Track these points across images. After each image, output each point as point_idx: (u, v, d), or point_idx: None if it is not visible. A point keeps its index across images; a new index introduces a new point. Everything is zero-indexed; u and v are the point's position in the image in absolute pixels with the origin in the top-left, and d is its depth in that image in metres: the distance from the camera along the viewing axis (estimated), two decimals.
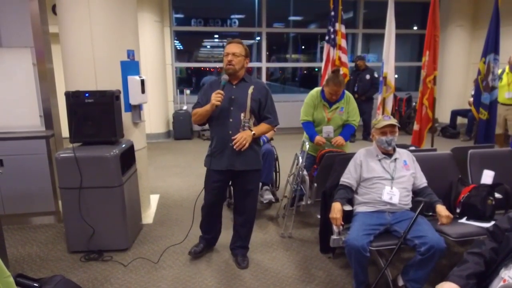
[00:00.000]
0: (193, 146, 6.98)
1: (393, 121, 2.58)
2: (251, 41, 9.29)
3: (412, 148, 3.26)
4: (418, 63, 8.03)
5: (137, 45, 3.48)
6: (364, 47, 8.78)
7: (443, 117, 7.92)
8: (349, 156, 2.74)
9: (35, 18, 3.42)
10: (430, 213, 2.49)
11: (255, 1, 8.29)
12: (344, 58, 5.59)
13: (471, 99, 4.61)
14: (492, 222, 2.30)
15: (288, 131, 7.00)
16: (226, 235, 3.01)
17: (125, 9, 3.25)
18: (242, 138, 2.50)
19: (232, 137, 2.54)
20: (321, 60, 6.10)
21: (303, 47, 9.98)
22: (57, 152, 2.92)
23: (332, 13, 5.50)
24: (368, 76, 7.06)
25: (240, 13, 8.56)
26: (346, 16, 6.77)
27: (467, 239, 2.44)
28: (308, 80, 9.51)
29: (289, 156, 3.90)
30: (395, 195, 2.46)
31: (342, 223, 2.42)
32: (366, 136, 7.19)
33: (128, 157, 3.12)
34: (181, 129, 7.43)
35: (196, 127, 7.52)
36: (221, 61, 2.71)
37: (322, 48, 6.61)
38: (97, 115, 2.96)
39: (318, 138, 3.33)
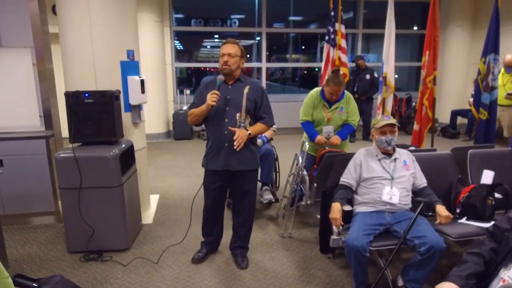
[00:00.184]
0: (193, 146, 6.99)
1: (393, 120, 2.58)
2: (251, 41, 9.29)
3: (412, 148, 3.26)
4: (418, 63, 8.03)
5: (137, 45, 3.48)
6: (364, 47, 8.79)
7: (443, 117, 7.92)
8: (349, 156, 2.74)
9: (35, 18, 3.42)
10: (430, 213, 2.49)
11: (255, 1, 8.29)
12: (344, 58, 5.59)
13: (471, 99, 4.61)
14: (492, 222, 2.29)
15: (288, 131, 7.01)
16: (226, 236, 3.01)
17: (125, 9, 3.25)
18: (239, 137, 2.50)
19: (231, 129, 2.52)
20: (321, 60, 6.11)
21: (303, 47, 9.98)
22: (57, 152, 2.92)
23: (332, 13, 5.50)
24: (368, 76, 7.06)
25: (240, 13, 8.56)
26: (346, 16, 6.78)
27: (467, 239, 2.45)
28: (308, 80, 9.51)
29: (289, 156, 3.90)
30: (395, 195, 2.46)
31: (342, 223, 2.42)
32: (366, 136, 7.19)
33: (128, 157, 3.12)
34: (181, 129, 7.44)
35: (196, 127, 7.52)
36: None
37: (322, 48, 6.61)
38: (97, 115, 2.96)
39: (319, 137, 3.33)
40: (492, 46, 3.97)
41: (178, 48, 8.53)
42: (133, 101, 3.36)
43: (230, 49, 2.55)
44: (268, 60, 8.69)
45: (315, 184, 3.13)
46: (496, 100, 4.15)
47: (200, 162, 2.79)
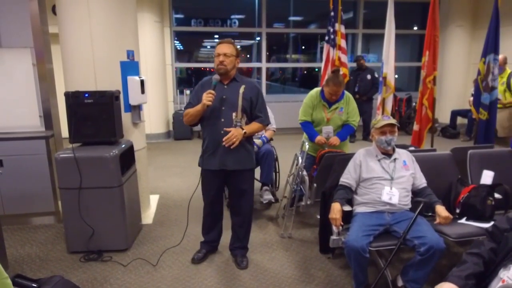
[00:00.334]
0: (193, 146, 6.98)
1: (393, 120, 2.58)
2: (251, 41, 9.30)
3: (412, 148, 3.26)
4: (418, 63, 8.03)
5: (136, 46, 3.48)
6: (364, 47, 8.79)
7: (443, 117, 7.92)
8: (349, 156, 2.74)
9: (35, 19, 3.42)
10: (430, 214, 2.49)
11: (255, 1, 8.29)
12: (344, 58, 5.59)
13: (471, 99, 4.61)
14: (492, 223, 2.29)
15: (288, 131, 7.01)
16: (225, 236, 3.01)
17: (125, 10, 3.25)
18: (233, 135, 2.50)
19: (226, 129, 2.52)
20: (321, 60, 6.11)
21: (303, 47, 9.98)
22: (57, 153, 2.92)
23: (332, 13, 5.50)
24: (369, 76, 7.06)
25: (240, 13, 8.56)
26: (346, 16, 6.78)
27: (466, 240, 2.44)
28: (308, 80, 9.51)
29: (289, 156, 3.90)
30: (394, 195, 2.46)
31: (342, 223, 2.42)
32: (366, 136, 7.19)
33: (127, 158, 3.12)
34: (181, 129, 7.44)
35: (196, 127, 7.52)
36: None
37: (322, 48, 6.61)
38: (97, 116, 2.96)
39: (318, 138, 3.33)
40: (492, 46, 3.98)
41: (178, 48, 8.53)
42: (133, 101, 3.36)
43: (226, 49, 2.55)
44: (268, 60, 8.69)
45: (315, 184, 3.13)
46: (496, 100, 4.15)
47: None
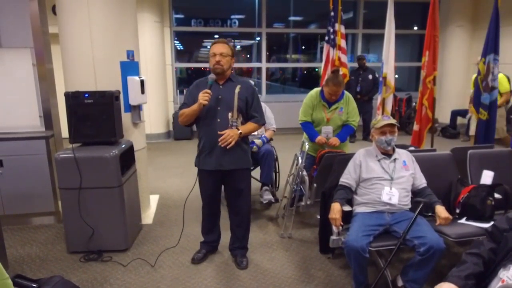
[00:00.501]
0: (193, 147, 6.94)
1: (392, 120, 2.58)
2: (251, 41, 9.30)
3: (412, 148, 3.26)
4: (418, 63, 8.03)
5: (136, 46, 3.48)
6: (364, 47, 8.79)
7: (443, 117, 7.91)
8: (349, 157, 2.74)
9: (35, 19, 3.43)
10: (430, 214, 2.49)
11: (255, 1, 8.29)
12: (344, 58, 5.58)
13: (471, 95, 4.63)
14: (492, 223, 2.29)
15: (288, 131, 7.01)
16: (225, 235, 3.01)
17: (125, 10, 3.26)
18: (229, 136, 2.50)
19: (219, 132, 2.53)
20: (321, 60, 6.10)
21: (303, 47, 9.98)
22: (57, 153, 2.93)
23: (332, 14, 5.50)
24: (370, 76, 7.07)
25: (240, 13, 8.56)
26: (346, 16, 6.77)
27: (466, 240, 2.44)
28: (308, 80, 9.51)
29: (289, 157, 3.90)
30: (394, 195, 2.46)
31: (342, 223, 2.42)
32: (366, 136, 7.19)
33: (127, 158, 3.12)
34: (181, 129, 7.43)
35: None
36: None
37: (322, 48, 6.61)
38: (97, 116, 2.96)
39: (319, 138, 3.33)
40: (492, 46, 3.97)
41: (178, 48, 8.53)
42: (133, 101, 3.36)
43: (222, 48, 2.56)
44: (268, 60, 8.69)
45: (315, 185, 3.13)
46: (496, 100, 4.15)
47: None
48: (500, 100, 5.01)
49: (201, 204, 2.88)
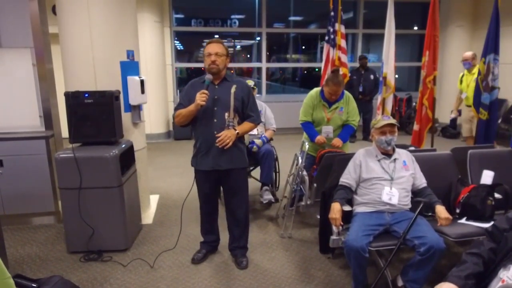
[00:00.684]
0: (193, 147, 6.97)
1: (392, 120, 2.58)
2: (251, 41, 9.30)
3: (412, 148, 3.26)
4: (418, 63, 8.02)
5: (136, 46, 3.48)
6: (364, 47, 8.79)
7: (443, 117, 7.91)
8: (349, 156, 2.74)
9: (35, 19, 3.43)
10: (430, 214, 2.49)
11: (255, 1, 8.29)
12: (344, 58, 5.58)
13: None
14: (492, 223, 2.29)
15: (288, 131, 7.01)
16: (225, 235, 3.01)
17: (125, 10, 3.26)
18: (226, 136, 2.51)
19: (217, 134, 2.54)
20: (321, 60, 6.10)
21: (303, 47, 9.98)
22: (57, 153, 2.93)
23: (332, 13, 5.50)
24: (372, 77, 7.08)
25: (240, 13, 8.56)
26: (346, 16, 6.77)
27: (466, 240, 2.44)
28: (308, 80, 9.51)
29: (289, 157, 3.90)
30: (394, 195, 2.46)
31: (342, 223, 2.42)
32: (367, 136, 7.19)
33: (127, 158, 3.12)
34: (181, 129, 7.42)
35: None
36: None
37: (322, 48, 6.61)
38: (97, 116, 2.96)
39: (319, 137, 3.33)
40: (492, 46, 3.97)
41: (178, 48, 8.53)
42: (133, 101, 3.36)
43: (217, 48, 2.55)
44: (268, 60, 8.69)
45: (315, 184, 3.13)
46: (496, 100, 4.15)
47: None
48: None
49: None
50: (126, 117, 3.34)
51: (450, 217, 2.39)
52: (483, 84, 4.07)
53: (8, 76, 3.46)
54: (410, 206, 2.52)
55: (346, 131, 3.44)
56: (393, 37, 4.28)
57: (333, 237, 2.42)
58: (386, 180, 2.51)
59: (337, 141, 3.32)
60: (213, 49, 2.55)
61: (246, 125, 2.66)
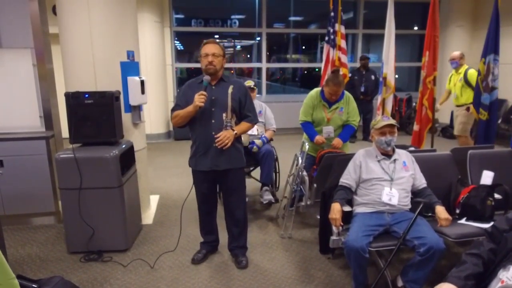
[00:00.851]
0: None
1: (392, 121, 2.58)
2: (251, 41, 9.29)
3: (412, 148, 3.27)
4: (418, 63, 8.02)
5: (137, 46, 3.48)
6: (364, 47, 8.78)
7: (443, 117, 7.91)
8: (349, 157, 2.74)
9: (35, 19, 3.43)
10: (430, 214, 2.49)
11: (255, 2, 8.29)
12: (344, 58, 5.58)
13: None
14: (491, 223, 2.29)
15: (288, 132, 7.01)
16: (225, 236, 3.01)
17: (125, 10, 3.26)
18: (225, 137, 2.52)
19: (215, 135, 2.54)
20: (321, 61, 6.11)
21: (303, 47, 9.98)
22: (57, 153, 2.93)
23: (332, 14, 5.50)
24: (373, 77, 7.09)
25: (240, 13, 8.56)
26: (346, 16, 6.77)
27: (466, 240, 2.44)
28: (308, 80, 9.51)
29: (289, 157, 3.90)
30: (394, 196, 2.46)
31: (342, 223, 2.43)
32: (367, 136, 7.19)
33: (128, 158, 3.12)
34: (181, 129, 7.35)
35: None
36: None
37: (322, 48, 6.61)
38: (97, 116, 2.96)
39: (318, 137, 3.34)
40: (492, 47, 3.97)
41: (179, 49, 8.53)
42: (133, 101, 3.36)
43: (214, 49, 2.56)
44: (269, 61, 8.69)
45: (315, 185, 3.13)
46: (497, 100, 4.15)
47: None
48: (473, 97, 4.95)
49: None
50: (126, 117, 3.34)
51: (450, 217, 2.39)
52: (483, 84, 4.07)
53: (9, 76, 3.46)
54: (410, 206, 2.52)
55: (347, 131, 3.44)
56: (393, 37, 4.28)
57: (333, 237, 2.42)
58: (386, 180, 2.51)
59: (337, 142, 3.33)
60: (210, 49, 2.55)
61: (244, 125, 2.67)
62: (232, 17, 8.37)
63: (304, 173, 3.24)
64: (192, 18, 8.19)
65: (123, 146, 3.07)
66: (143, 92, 3.40)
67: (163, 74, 7.45)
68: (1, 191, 3.41)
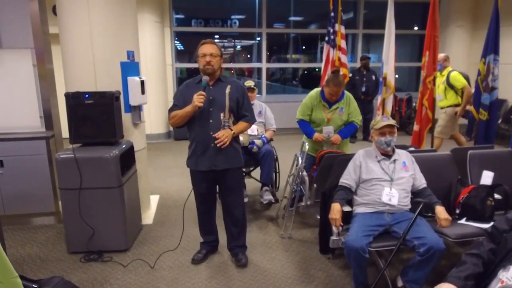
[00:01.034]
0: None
1: (392, 121, 2.58)
2: (252, 41, 9.29)
3: (412, 148, 3.27)
4: (418, 63, 8.01)
5: (137, 46, 3.48)
6: (364, 47, 8.78)
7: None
8: (349, 157, 2.74)
9: (35, 19, 3.43)
10: (430, 214, 2.49)
11: (255, 2, 8.29)
12: (344, 58, 5.58)
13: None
14: (491, 223, 2.29)
15: (288, 132, 7.01)
16: (225, 236, 3.01)
17: (125, 10, 3.26)
18: (224, 136, 2.52)
19: (214, 135, 2.55)
20: (321, 61, 6.11)
21: (303, 47, 9.98)
22: (57, 153, 2.93)
23: (332, 14, 5.50)
24: (373, 77, 7.09)
25: (241, 13, 8.56)
26: (346, 16, 6.77)
27: (466, 240, 2.44)
28: (308, 80, 9.51)
29: (289, 157, 3.90)
30: (394, 196, 2.47)
31: (342, 223, 2.43)
32: (367, 136, 7.19)
33: (128, 158, 3.12)
34: (181, 129, 7.35)
35: None
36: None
37: (322, 48, 6.61)
38: (97, 116, 2.97)
39: (317, 135, 3.34)
40: (492, 47, 3.97)
41: (179, 49, 8.52)
42: (133, 102, 3.37)
43: (211, 49, 2.56)
44: (269, 61, 8.69)
45: (315, 185, 3.13)
46: (496, 100, 4.15)
47: None
48: (464, 98, 4.93)
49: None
50: (126, 117, 3.34)
51: (450, 218, 2.40)
52: (483, 84, 4.07)
53: (9, 76, 3.46)
54: (410, 206, 2.52)
55: (348, 129, 3.44)
56: (393, 37, 4.28)
57: (333, 237, 2.42)
58: (386, 181, 2.51)
59: (335, 138, 3.32)
60: (208, 49, 2.55)
61: (241, 125, 2.68)
62: (232, 17, 8.37)
63: (304, 173, 3.24)
64: (192, 18, 8.19)
65: (123, 146, 3.07)
66: (143, 92, 3.40)
67: (163, 74, 7.45)
68: (1, 191, 3.41)
